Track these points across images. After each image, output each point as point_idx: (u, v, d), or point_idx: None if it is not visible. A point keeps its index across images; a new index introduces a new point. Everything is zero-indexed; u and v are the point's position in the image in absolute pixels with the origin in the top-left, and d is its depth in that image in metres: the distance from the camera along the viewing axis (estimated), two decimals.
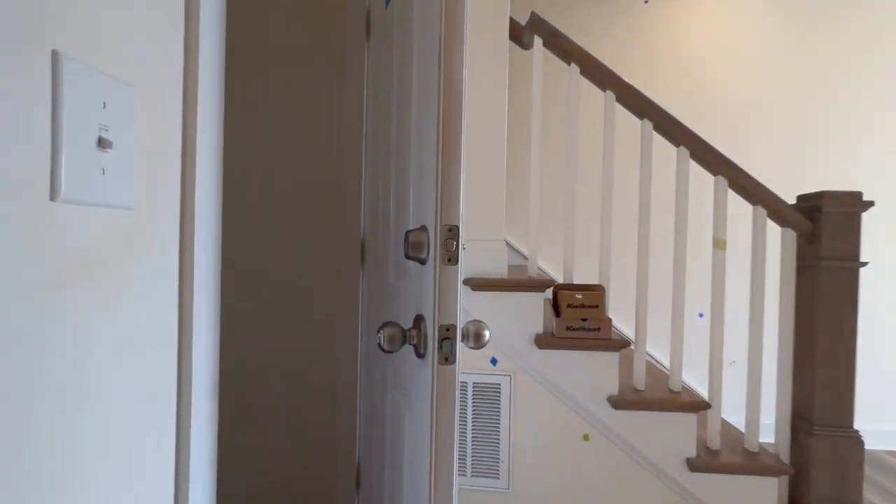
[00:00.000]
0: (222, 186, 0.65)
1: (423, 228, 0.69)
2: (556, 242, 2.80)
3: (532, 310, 1.64)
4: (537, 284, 1.63)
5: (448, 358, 0.65)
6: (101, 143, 0.44)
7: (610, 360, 1.58)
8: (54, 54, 0.40)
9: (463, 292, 1.64)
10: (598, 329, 1.58)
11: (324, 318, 1.37)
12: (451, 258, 0.64)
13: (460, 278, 0.65)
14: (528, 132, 2.79)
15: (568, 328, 1.60)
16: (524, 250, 2.78)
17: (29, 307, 0.38)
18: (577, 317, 1.60)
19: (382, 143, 1.14)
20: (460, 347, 0.66)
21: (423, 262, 0.69)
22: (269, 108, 1.36)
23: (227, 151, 1.34)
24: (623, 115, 2.77)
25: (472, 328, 0.70)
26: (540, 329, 1.65)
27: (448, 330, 0.65)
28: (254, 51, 1.35)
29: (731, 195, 2.66)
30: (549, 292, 2.43)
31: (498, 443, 1.66)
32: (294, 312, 1.36)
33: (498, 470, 1.66)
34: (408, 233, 0.69)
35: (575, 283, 2.03)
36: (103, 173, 0.44)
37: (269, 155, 1.36)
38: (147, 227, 0.51)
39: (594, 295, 1.61)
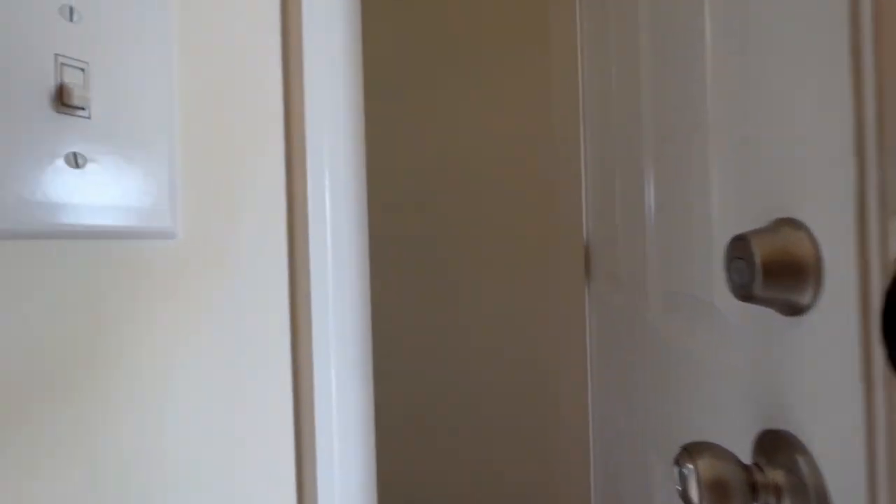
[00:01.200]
0: (366, 178, 0.39)
1: (795, 225, 0.29)
2: None
3: None
4: None
5: None
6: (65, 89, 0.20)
7: None
8: None
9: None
10: None
11: (535, 346, 1.05)
12: None
13: None
14: None
15: None
16: None
17: None
18: None
19: (620, 108, 0.76)
20: None
21: (799, 309, 0.29)
22: (458, 95, 1.13)
23: (411, 146, 1.17)
24: None
25: None
26: None
27: None
28: (439, 32, 1.15)
29: None
30: None
31: None
32: (496, 336, 1.09)
33: None
34: (741, 240, 0.30)
35: None
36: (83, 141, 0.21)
37: (459, 148, 1.13)
38: (207, 273, 0.27)
39: None
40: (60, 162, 0.20)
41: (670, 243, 0.55)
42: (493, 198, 1.11)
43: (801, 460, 0.29)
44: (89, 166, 0.21)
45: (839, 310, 0.25)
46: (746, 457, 0.34)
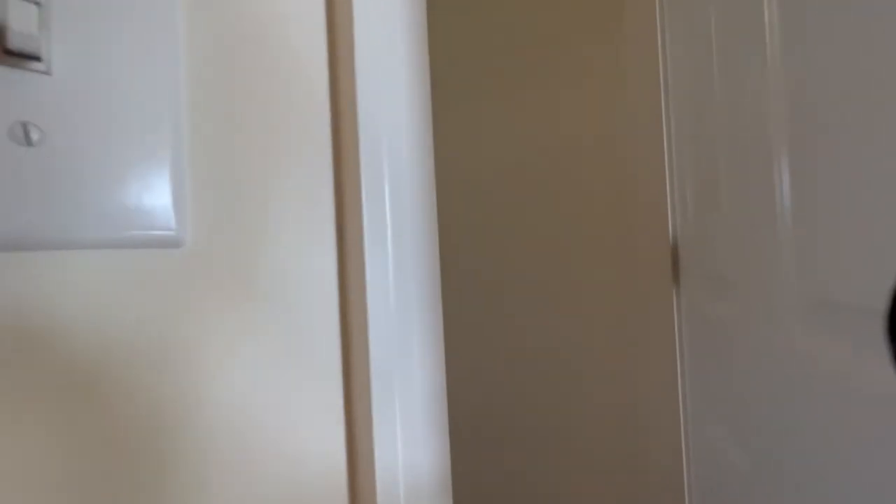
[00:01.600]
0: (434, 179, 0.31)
1: None
2: None
3: None
4: None
5: None
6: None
7: None
8: None
9: None
10: None
11: (616, 356, 0.92)
12: None
13: None
14: None
15: None
16: None
17: None
18: None
19: (729, 90, 0.64)
20: None
21: None
22: (528, 90, 1.05)
23: (479, 145, 1.09)
24: None
25: None
26: None
27: None
28: (506, 25, 1.07)
29: None
30: None
31: None
32: (572, 346, 0.98)
33: None
34: None
35: None
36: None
37: (528, 144, 1.05)
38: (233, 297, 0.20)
39: None
40: (1, 136, 0.14)
41: (824, 243, 0.42)
42: (567, 196, 1.01)
43: None
44: (47, 143, 0.15)
45: None
46: None
